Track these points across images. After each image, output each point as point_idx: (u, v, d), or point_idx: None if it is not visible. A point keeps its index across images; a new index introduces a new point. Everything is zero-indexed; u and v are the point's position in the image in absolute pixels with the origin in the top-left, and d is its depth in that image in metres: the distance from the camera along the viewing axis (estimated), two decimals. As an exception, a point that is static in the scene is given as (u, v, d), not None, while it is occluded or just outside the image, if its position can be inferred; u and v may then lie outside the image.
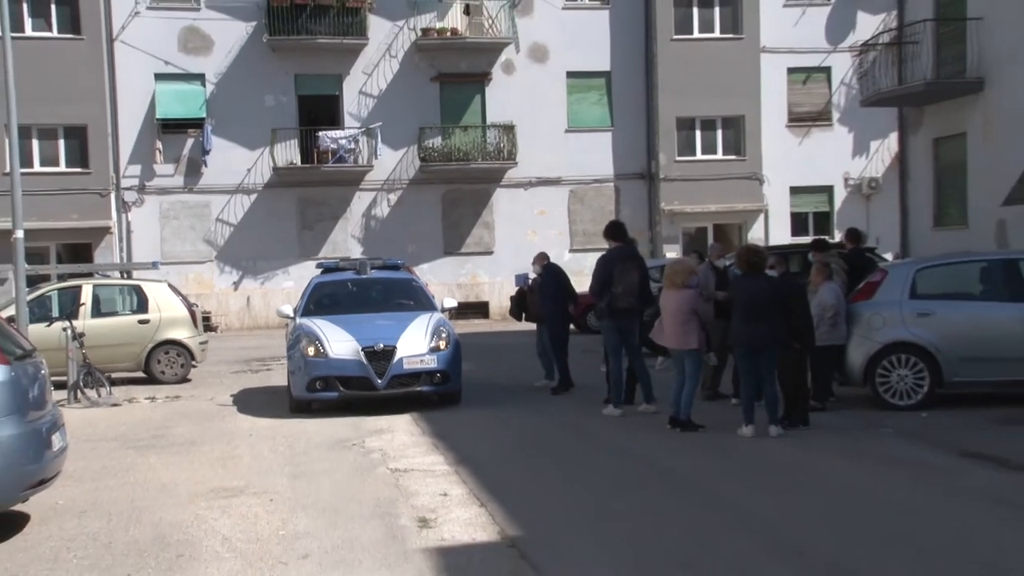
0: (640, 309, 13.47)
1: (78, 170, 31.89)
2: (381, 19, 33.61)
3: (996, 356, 12.76)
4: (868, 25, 33.85)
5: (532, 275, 16.70)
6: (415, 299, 16.12)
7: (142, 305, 19.42)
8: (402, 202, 34.09)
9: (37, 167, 31.14)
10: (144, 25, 32.41)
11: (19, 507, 8.66)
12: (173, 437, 13.00)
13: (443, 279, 32.91)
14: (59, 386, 14.32)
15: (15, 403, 8.06)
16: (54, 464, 8.57)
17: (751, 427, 11.43)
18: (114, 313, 19.61)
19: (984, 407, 12.80)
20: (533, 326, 16.91)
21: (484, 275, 34.48)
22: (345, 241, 33.74)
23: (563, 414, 13.74)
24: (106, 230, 32.10)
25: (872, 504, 8.47)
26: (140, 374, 19.20)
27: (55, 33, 31.68)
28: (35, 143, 31.41)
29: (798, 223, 35.49)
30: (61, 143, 32.02)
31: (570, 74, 34.76)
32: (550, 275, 16.31)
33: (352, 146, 33.18)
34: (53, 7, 31.68)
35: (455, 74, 34.26)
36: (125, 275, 21.83)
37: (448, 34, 33.83)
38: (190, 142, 32.91)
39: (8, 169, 17.65)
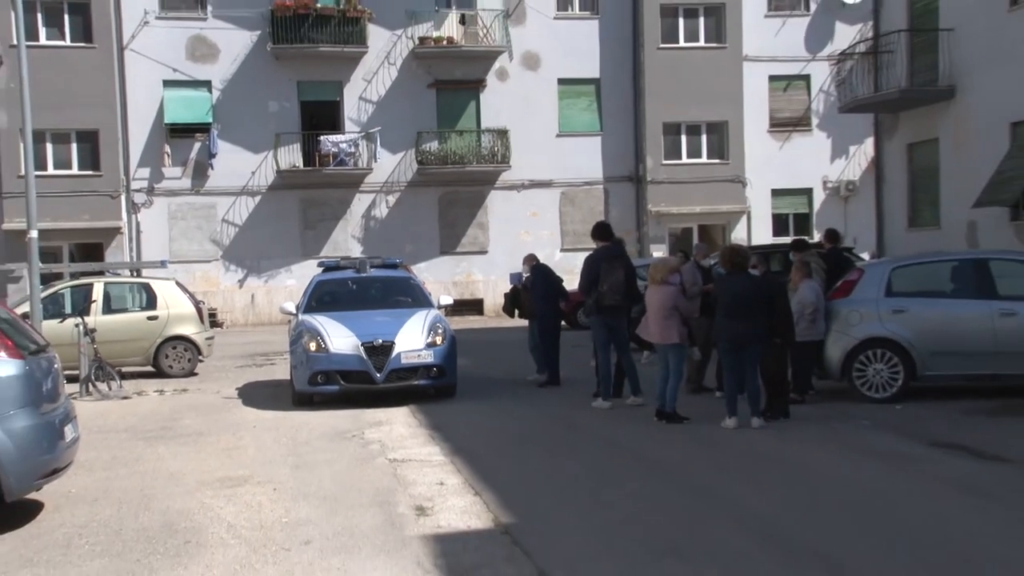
0: (627, 306, 13.48)
1: (90, 173, 31.84)
2: (380, 28, 33.57)
3: (966, 351, 12.80)
4: (845, 35, 33.92)
5: (525, 274, 16.70)
6: (413, 296, 16.12)
7: (151, 302, 19.40)
8: (400, 203, 34.07)
9: (51, 170, 31.11)
10: (153, 34, 32.36)
11: (34, 495, 8.66)
12: (181, 428, 12.99)
13: (439, 277, 32.86)
14: (71, 379, 14.30)
15: (30, 396, 8.06)
16: (67, 454, 8.57)
17: (734, 419, 11.45)
18: (124, 310, 19.58)
19: (955, 399, 12.83)
20: (526, 322, 16.92)
21: (479, 273, 34.47)
22: (345, 241, 33.71)
23: (554, 407, 13.73)
24: (116, 230, 32.06)
25: (849, 492, 8.48)
26: (149, 368, 19.19)
27: (68, 42, 31.64)
28: (49, 147, 31.35)
29: (779, 224, 35.54)
30: (74, 147, 31.97)
31: (561, 81, 34.75)
32: (539, 275, 16.34)
33: (352, 150, 33.15)
34: (66, 17, 31.64)
35: (451, 81, 34.24)
36: (135, 273, 21.76)
37: (444, 43, 33.77)
38: (197, 146, 32.87)
39: (23, 172, 17.63)
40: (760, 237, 34.15)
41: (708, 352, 14.07)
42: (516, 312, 17.13)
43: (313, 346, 14.11)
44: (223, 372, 19.60)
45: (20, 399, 7.96)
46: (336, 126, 33.68)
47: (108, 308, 19.16)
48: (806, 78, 35.70)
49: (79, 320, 17.07)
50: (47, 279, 20.14)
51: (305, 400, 14.48)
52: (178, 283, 20.49)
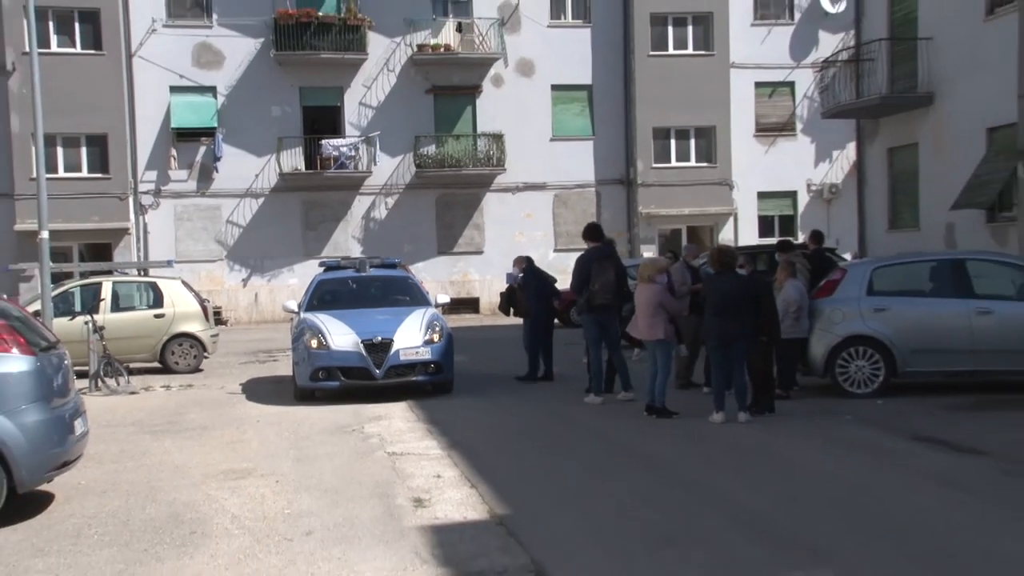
0: (617, 305, 13.49)
1: (99, 176, 31.80)
2: (380, 36, 33.55)
3: (945, 348, 12.83)
4: (829, 43, 34.04)
5: (518, 275, 16.70)
6: (411, 295, 16.10)
7: (158, 300, 19.36)
8: (399, 205, 34.05)
9: (61, 173, 31.04)
10: (160, 42, 32.31)
11: (44, 487, 8.66)
12: (186, 423, 12.97)
13: (437, 277, 32.85)
14: (81, 375, 14.25)
15: (41, 391, 8.05)
16: (77, 447, 8.55)
17: (721, 414, 11.45)
18: (132, 308, 19.53)
19: (934, 395, 12.84)
20: (521, 321, 16.91)
21: (475, 273, 34.46)
22: (346, 241, 33.68)
23: (548, 402, 13.73)
24: (124, 231, 32.04)
25: (833, 484, 8.49)
26: (156, 364, 19.16)
27: (78, 49, 31.57)
28: (59, 151, 31.30)
29: (765, 225, 35.56)
30: (83, 151, 31.91)
31: (554, 87, 34.75)
32: (531, 275, 16.36)
33: (352, 153, 33.15)
34: (77, 25, 31.59)
35: (448, 87, 34.22)
36: (142, 273, 21.73)
37: (441, 50, 33.77)
38: (202, 149, 32.83)
39: (35, 175, 17.60)
40: (746, 238, 34.19)
41: (696, 349, 14.08)
42: (511, 311, 17.13)
43: (315, 343, 14.09)
44: (227, 368, 19.57)
45: (32, 394, 7.95)
46: (337, 130, 33.65)
47: (116, 306, 19.12)
48: (791, 85, 35.72)
49: (88, 318, 17.02)
50: (58, 278, 20.12)
51: (307, 395, 14.45)
52: (184, 282, 20.43)
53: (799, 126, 35.88)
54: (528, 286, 16.22)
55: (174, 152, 32.61)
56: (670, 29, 34.68)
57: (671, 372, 12.48)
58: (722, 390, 11.58)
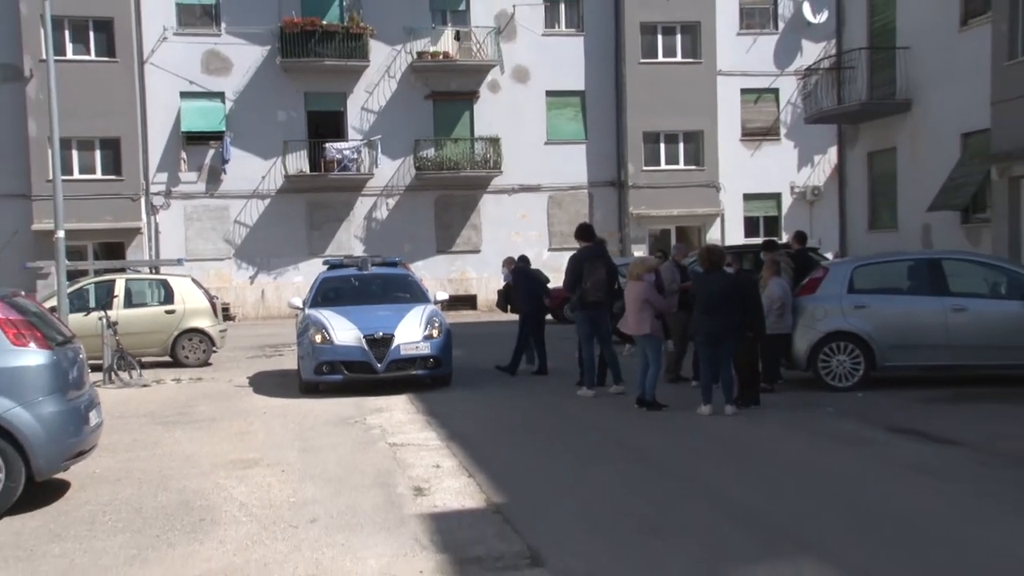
0: (609, 302, 13.49)
1: (112, 177, 31.74)
2: (381, 44, 33.51)
3: (922, 344, 12.85)
4: (811, 52, 34.11)
5: (505, 278, 16.70)
6: (411, 292, 16.09)
7: (168, 297, 19.36)
8: (399, 206, 34.02)
9: (76, 175, 30.97)
10: (171, 49, 32.26)
11: (61, 475, 8.65)
12: (196, 414, 12.97)
13: (436, 275, 32.83)
14: (95, 368, 14.25)
15: (57, 383, 8.05)
16: (91, 437, 8.56)
17: (709, 406, 11.46)
18: (144, 304, 19.52)
19: (911, 388, 12.86)
20: (517, 317, 16.90)
21: (472, 271, 34.45)
22: (349, 241, 33.65)
23: (542, 395, 13.73)
24: (137, 231, 31.99)
25: (815, 473, 8.51)
26: (167, 358, 19.15)
27: (93, 56, 31.50)
28: (75, 153, 31.24)
29: (750, 226, 35.57)
30: (97, 154, 31.85)
31: (549, 93, 34.74)
32: (519, 276, 16.39)
33: (355, 156, 33.11)
34: (91, 34, 31.53)
35: (446, 92, 34.18)
36: (153, 270, 21.70)
37: (440, 57, 33.72)
38: (211, 152, 32.78)
39: (51, 177, 17.57)
40: (733, 238, 34.20)
41: (684, 345, 14.10)
42: (508, 307, 17.13)
43: (319, 338, 14.08)
44: (235, 362, 19.56)
45: (48, 386, 7.95)
46: (340, 134, 33.61)
47: (129, 303, 19.12)
48: (775, 91, 35.74)
49: (102, 314, 17.01)
50: (73, 276, 20.09)
51: (311, 388, 14.45)
52: (193, 280, 20.43)
53: (783, 131, 35.89)
54: (518, 286, 16.26)
55: (184, 155, 32.59)
56: (659, 38, 34.66)
57: (662, 366, 12.49)
58: (709, 384, 11.59)
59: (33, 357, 7.94)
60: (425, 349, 14.20)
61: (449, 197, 34.24)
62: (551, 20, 34.96)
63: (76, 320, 17.00)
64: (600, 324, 13.45)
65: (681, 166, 34.93)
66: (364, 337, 14.01)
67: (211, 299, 19.85)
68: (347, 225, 33.79)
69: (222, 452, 10.26)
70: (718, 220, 34.99)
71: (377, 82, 33.73)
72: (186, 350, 19.14)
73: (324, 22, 32.60)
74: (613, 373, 13.55)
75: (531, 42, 34.47)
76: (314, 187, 33.15)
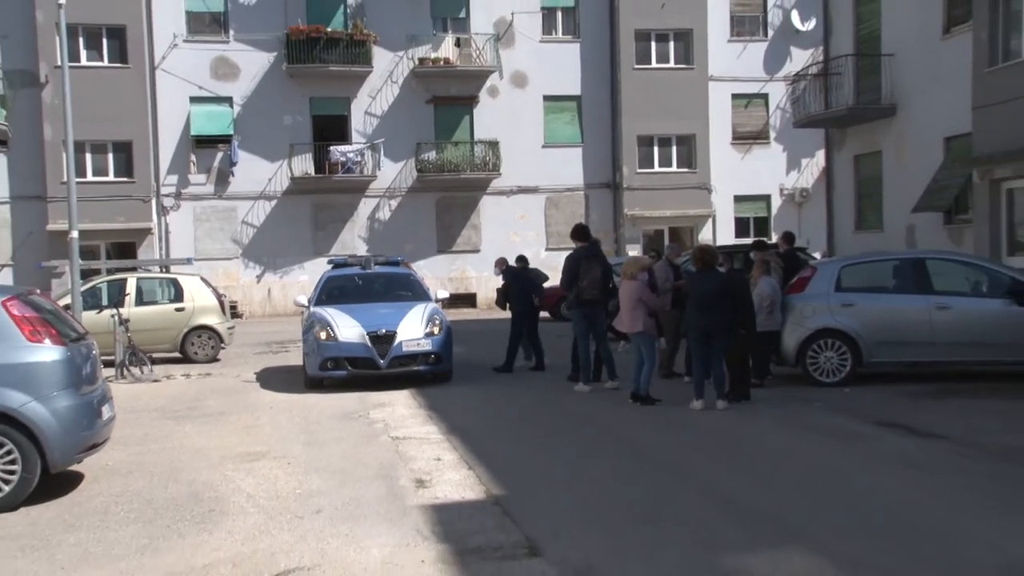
0: (604, 300, 13.49)
1: (124, 179, 31.70)
2: (384, 50, 33.49)
3: (907, 340, 12.84)
4: (800, 58, 34.17)
5: (498, 276, 16.71)
6: (413, 291, 16.08)
7: (178, 295, 19.36)
8: (401, 207, 34.01)
9: (90, 177, 30.90)
10: (181, 55, 32.24)
11: (75, 467, 8.65)
12: (205, 409, 12.96)
13: (437, 274, 32.83)
14: (108, 364, 14.21)
15: (71, 379, 8.04)
16: (104, 431, 8.55)
17: (701, 401, 11.46)
18: (154, 302, 19.51)
19: (897, 384, 12.86)
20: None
21: (472, 270, 34.44)
22: (352, 241, 33.63)
23: (540, 390, 13.73)
24: (148, 231, 31.97)
25: (804, 466, 8.51)
26: (176, 354, 19.15)
27: (106, 63, 31.44)
28: (88, 156, 31.17)
29: (741, 226, 35.58)
30: (110, 156, 31.81)
31: (546, 97, 34.73)
32: (511, 276, 16.40)
33: (359, 159, 33.09)
34: (104, 41, 31.48)
35: (447, 97, 34.17)
36: (164, 270, 21.71)
37: (441, 63, 33.71)
38: (220, 155, 32.75)
39: (65, 179, 17.57)
40: (724, 238, 34.21)
41: (677, 342, 14.10)
42: (507, 305, 17.15)
43: (324, 335, 14.08)
44: (243, 358, 19.55)
45: (63, 381, 7.95)
46: (344, 137, 33.58)
47: (140, 300, 19.12)
48: (765, 96, 35.76)
49: (115, 311, 17.00)
50: (86, 274, 20.10)
51: (316, 384, 14.44)
52: (202, 278, 20.43)
53: (772, 135, 35.90)
54: (511, 286, 16.28)
55: (193, 158, 32.56)
56: (653, 44, 34.66)
57: (656, 363, 12.48)
58: (702, 379, 11.58)
59: (48, 353, 7.93)
60: (427, 346, 14.19)
61: (450, 198, 34.23)
62: (548, 27, 34.94)
63: (89, 317, 17.02)
64: (596, 321, 13.45)
65: (674, 169, 34.92)
66: (367, 334, 14.00)
67: (219, 297, 19.84)
68: (351, 225, 33.77)
69: (230, 445, 10.26)
70: (710, 221, 34.99)
71: (380, 87, 33.71)
72: (195, 346, 19.13)
73: (329, 29, 32.56)
74: (608, 369, 13.54)
75: (529, 49, 34.46)
76: (319, 189, 33.13)
